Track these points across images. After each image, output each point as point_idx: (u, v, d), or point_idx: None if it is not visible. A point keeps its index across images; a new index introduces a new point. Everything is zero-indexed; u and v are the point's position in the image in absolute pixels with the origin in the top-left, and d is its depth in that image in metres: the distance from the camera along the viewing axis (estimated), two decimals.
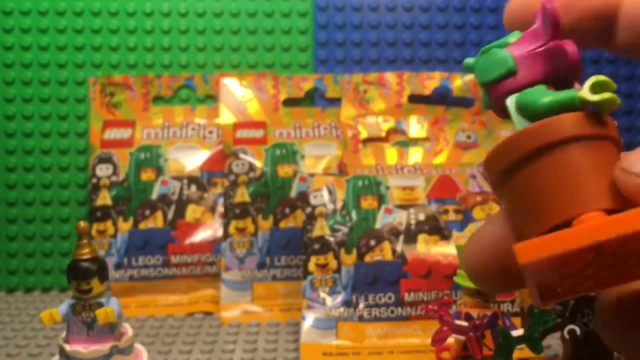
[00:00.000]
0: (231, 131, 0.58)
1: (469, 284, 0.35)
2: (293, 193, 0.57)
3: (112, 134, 0.60)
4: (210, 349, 0.47)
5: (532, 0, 0.19)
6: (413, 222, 0.50)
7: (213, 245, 0.57)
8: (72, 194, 0.62)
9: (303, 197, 0.54)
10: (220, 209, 0.58)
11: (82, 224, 0.37)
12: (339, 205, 0.51)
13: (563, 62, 0.17)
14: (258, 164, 0.57)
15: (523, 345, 0.32)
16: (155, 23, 0.61)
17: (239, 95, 0.59)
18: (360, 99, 0.59)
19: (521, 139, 0.16)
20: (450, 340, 0.36)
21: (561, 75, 0.17)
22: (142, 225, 0.57)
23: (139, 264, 0.57)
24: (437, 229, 0.50)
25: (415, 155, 0.58)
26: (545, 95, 0.16)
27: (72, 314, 0.37)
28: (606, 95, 0.16)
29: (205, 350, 0.47)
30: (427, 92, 0.59)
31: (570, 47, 0.17)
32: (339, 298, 0.48)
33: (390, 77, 0.59)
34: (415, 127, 0.58)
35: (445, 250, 0.49)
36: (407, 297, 0.48)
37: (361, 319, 0.48)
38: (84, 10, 0.61)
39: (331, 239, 0.50)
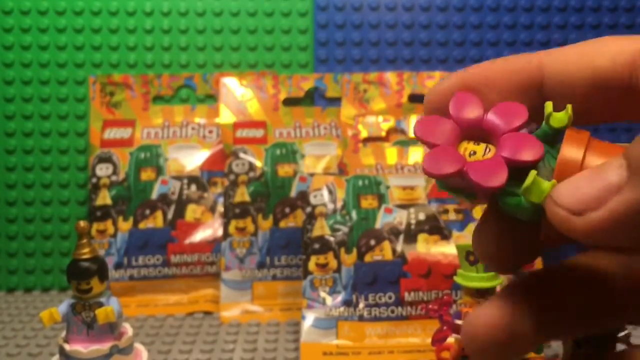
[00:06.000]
0: (231, 131, 0.58)
1: (469, 284, 0.35)
2: (293, 193, 0.57)
3: (112, 133, 0.60)
4: (210, 349, 0.47)
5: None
6: (413, 221, 0.50)
7: (213, 245, 0.57)
8: (72, 194, 0.62)
9: (303, 196, 0.54)
10: (220, 208, 0.58)
11: (82, 223, 0.37)
12: (339, 204, 0.51)
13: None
14: (258, 163, 0.57)
15: None
16: (155, 22, 0.61)
17: (239, 95, 0.59)
18: (360, 99, 0.59)
19: None
20: (450, 340, 0.36)
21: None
22: (142, 225, 0.57)
23: (139, 264, 0.57)
24: (438, 229, 0.50)
25: (415, 154, 0.58)
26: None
27: (72, 313, 0.37)
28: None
29: (205, 350, 0.47)
30: (427, 91, 0.59)
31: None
32: (339, 298, 0.48)
33: (390, 76, 0.59)
34: None
35: (445, 250, 0.49)
36: (407, 296, 0.48)
37: (361, 318, 0.48)
38: (84, 10, 0.61)
39: (331, 238, 0.50)
